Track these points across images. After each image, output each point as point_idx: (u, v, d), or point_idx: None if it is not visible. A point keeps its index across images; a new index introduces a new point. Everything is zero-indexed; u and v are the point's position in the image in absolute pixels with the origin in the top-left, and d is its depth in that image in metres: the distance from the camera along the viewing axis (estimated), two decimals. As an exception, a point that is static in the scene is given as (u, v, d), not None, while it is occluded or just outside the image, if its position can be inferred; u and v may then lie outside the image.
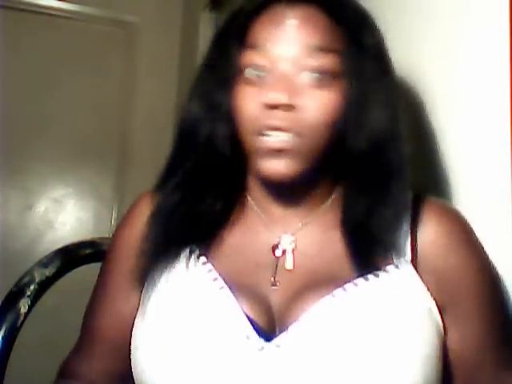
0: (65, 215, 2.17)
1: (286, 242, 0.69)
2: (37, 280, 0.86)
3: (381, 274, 0.64)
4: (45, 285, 0.87)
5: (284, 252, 0.69)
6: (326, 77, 0.64)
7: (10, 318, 0.82)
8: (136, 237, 0.72)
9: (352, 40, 0.67)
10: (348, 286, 0.62)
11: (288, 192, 0.70)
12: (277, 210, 0.71)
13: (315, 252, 0.68)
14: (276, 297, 0.65)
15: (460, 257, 0.67)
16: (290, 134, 0.64)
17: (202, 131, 0.70)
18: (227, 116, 0.68)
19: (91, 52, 2.24)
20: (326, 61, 0.64)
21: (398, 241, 0.65)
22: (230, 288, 0.64)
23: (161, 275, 0.68)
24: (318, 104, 0.64)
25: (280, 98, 0.63)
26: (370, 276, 0.63)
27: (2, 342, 0.81)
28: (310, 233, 0.70)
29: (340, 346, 0.59)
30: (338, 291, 0.62)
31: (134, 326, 0.69)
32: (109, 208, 2.21)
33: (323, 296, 0.62)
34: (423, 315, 0.63)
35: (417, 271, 0.65)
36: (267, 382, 0.59)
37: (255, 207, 0.73)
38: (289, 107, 0.63)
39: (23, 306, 0.83)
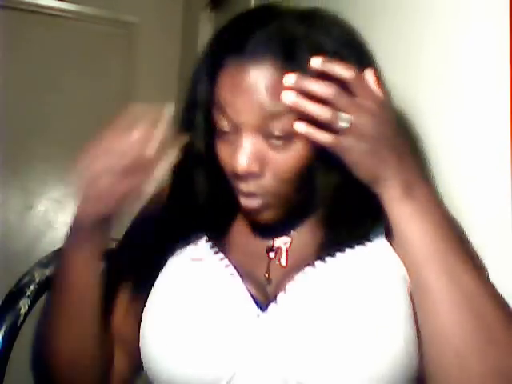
0: (65, 215, 2.17)
1: (281, 243, 0.75)
2: (37, 280, 0.86)
3: (356, 247, 0.70)
4: (45, 285, 0.87)
5: (277, 252, 0.75)
6: (287, 134, 0.65)
7: (9, 318, 0.82)
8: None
9: None
10: (326, 258, 0.69)
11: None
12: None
13: (307, 251, 0.72)
14: (270, 289, 0.71)
15: None
16: (257, 198, 0.68)
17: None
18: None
19: (91, 52, 2.24)
20: (286, 119, 0.64)
21: (372, 222, 0.71)
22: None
23: (175, 259, 0.74)
24: (281, 163, 0.67)
25: (238, 168, 0.66)
26: (346, 249, 0.69)
27: (2, 342, 0.81)
28: (303, 234, 0.75)
29: (324, 308, 0.65)
30: (318, 263, 0.68)
31: (145, 308, 0.72)
32: (109, 208, 2.21)
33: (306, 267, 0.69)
34: (399, 279, 0.67)
35: (392, 244, 0.70)
36: (262, 343, 0.65)
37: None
38: (250, 173, 0.66)
39: (23, 305, 0.83)
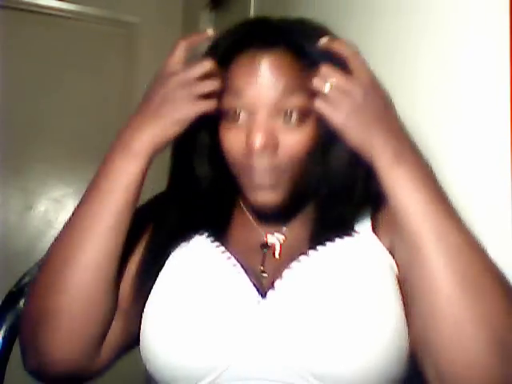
0: (65, 215, 2.14)
1: (274, 239, 0.79)
2: (37, 280, 0.86)
3: (346, 237, 0.74)
4: (45, 285, 0.87)
5: (271, 247, 0.78)
6: (298, 116, 0.72)
7: (9, 318, 0.82)
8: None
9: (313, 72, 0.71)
10: (318, 247, 0.72)
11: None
12: (265, 216, 0.80)
13: (299, 244, 0.75)
14: (266, 280, 0.74)
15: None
16: (269, 173, 0.72)
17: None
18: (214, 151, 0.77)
19: (91, 52, 2.24)
20: (297, 100, 0.71)
21: (360, 217, 0.76)
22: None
23: (177, 252, 0.77)
24: (293, 143, 0.72)
25: (255, 144, 0.70)
26: (336, 239, 0.73)
27: (2, 342, 0.81)
28: (295, 230, 0.79)
29: (320, 293, 0.68)
30: (311, 251, 0.72)
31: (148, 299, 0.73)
32: (109, 208, 2.21)
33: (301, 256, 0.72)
34: (386, 267, 0.72)
35: (378, 236, 0.75)
36: (263, 329, 0.67)
37: (246, 212, 0.82)
38: (266, 149, 0.70)
39: (23, 305, 0.83)
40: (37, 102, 2.15)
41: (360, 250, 0.73)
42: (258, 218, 0.81)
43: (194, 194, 0.79)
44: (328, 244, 0.73)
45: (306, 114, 0.71)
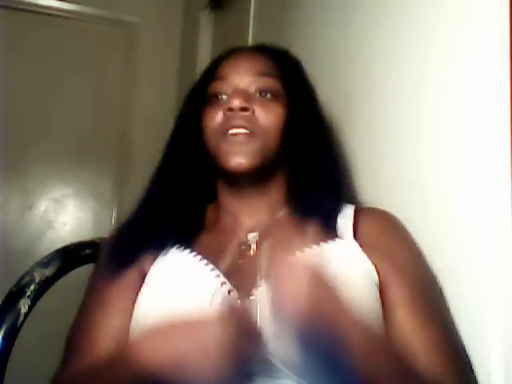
0: (65, 215, 2.17)
1: (251, 237, 0.82)
2: (37, 280, 0.86)
3: (329, 241, 0.77)
4: (45, 285, 0.87)
5: (250, 246, 0.81)
6: (270, 94, 0.85)
7: (9, 318, 0.82)
8: None
9: (286, 76, 0.89)
10: (305, 248, 0.75)
11: (249, 194, 0.87)
12: (242, 214, 0.87)
13: (277, 240, 0.78)
14: (246, 281, 0.75)
15: (393, 235, 0.81)
16: (247, 132, 0.82)
17: (182, 150, 0.89)
18: (199, 134, 0.87)
19: (91, 52, 2.24)
20: (270, 82, 0.86)
21: (341, 223, 0.81)
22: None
23: (155, 267, 0.79)
24: (267, 111, 0.84)
25: (237, 102, 0.82)
26: (321, 243, 0.76)
27: (2, 342, 0.81)
28: (271, 229, 0.83)
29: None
30: (297, 252, 0.74)
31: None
32: (109, 208, 2.21)
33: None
34: (365, 273, 0.75)
35: (359, 244, 0.78)
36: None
37: (224, 215, 0.88)
38: (245, 109, 0.82)
39: (23, 305, 0.83)
40: (37, 101, 2.15)
41: (345, 255, 0.76)
42: (235, 218, 0.85)
43: (166, 208, 0.84)
44: (314, 247, 0.75)
45: (276, 94, 0.85)
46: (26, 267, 0.89)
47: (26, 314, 0.84)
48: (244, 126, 0.82)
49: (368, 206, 0.92)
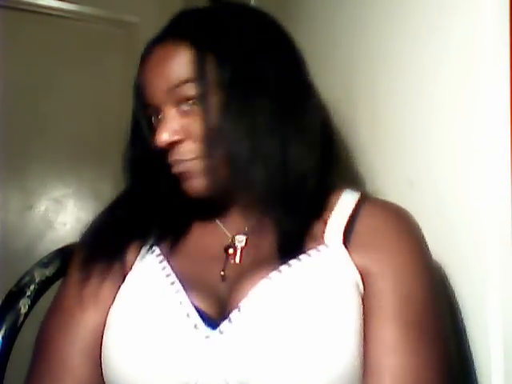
0: (65, 215, 2.17)
1: (238, 241, 0.78)
2: (37, 280, 0.86)
3: (312, 252, 0.70)
4: (45, 285, 0.87)
5: (235, 250, 0.77)
6: (194, 101, 0.73)
7: (9, 318, 0.82)
8: None
9: (221, 58, 0.73)
10: (282, 267, 0.68)
11: (221, 207, 0.81)
12: (228, 215, 0.81)
13: (263, 246, 0.74)
14: (225, 289, 0.71)
15: (389, 245, 0.71)
16: (185, 163, 0.74)
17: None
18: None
19: (91, 52, 2.24)
20: (187, 90, 0.73)
21: (328, 226, 0.73)
22: (184, 284, 0.71)
23: (130, 276, 0.76)
24: (194, 127, 0.74)
25: (158, 141, 0.74)
26: (301, 256, 0.69)
27: (2, 342, 0.81)
28: (258, 229, 0.77)
29: (279, 326, 0.64)
30: (274, 273, 0.68)
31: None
32: (109, 208, 2.20)
33: (261, 279, 0.68)
34: (352, 289, 0.68)
35: (348, 250, 0.71)
36: (213, 368, 0.63)
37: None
38: (172, 144, 0.74)
39: (23, 305, 0.83)
40: (36, 101, 2.14)
41: (325, 268, 0.69)
42: (222, 218, 0.80)
43: (148, 202, 0.80)
44: (293, 263, 0.69)
45: (199, 97, 0.73)
46: (26, 267, 0.89)
47: (26, 314, 0.83)
48: (180, 159, 0.75)
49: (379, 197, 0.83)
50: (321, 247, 0.71)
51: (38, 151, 2.14)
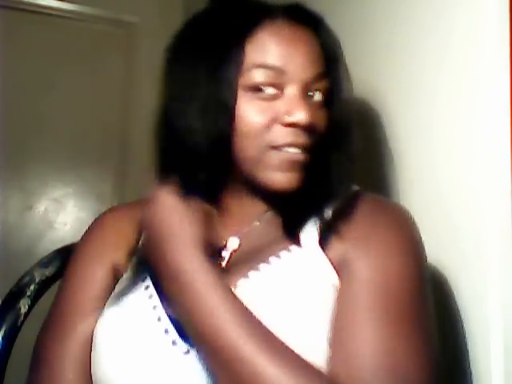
0: (65, 215, 2.17)
1: (232, 244, 0.75)
2: (37, 280, 0.86)
3: (288, 254, 0.68)
4: (45, 285, 0.87)
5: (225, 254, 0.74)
6: (322, 97, 0.71)
7: (9, 318, 0.82)
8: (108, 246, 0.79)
9: (333, 64, 0.73)
10: (262, 265, 0.67)
11: (267, 200, 0.75)
12: (237, 213, 0.76)
13: (255, 250, 0.72)
14: None
15: (370, 245, 0.67)
16: (303, 150, 0.69)
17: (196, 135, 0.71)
18: (224, 120, 0.69)
19: (91, 52, 2.24)
20: (325, 84, 0.71)
21: (311, 223, 0.70)
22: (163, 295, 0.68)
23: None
24: (319, 121, 0.70)
25: (304, 118, 0.67)
26: (281, 253, 0.68)
27: (2, 342, 0.81)
28: (258, 230, 0.74)
29: None
30: (252, 272, 0.67)
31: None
32: (109, 208, 2.20)
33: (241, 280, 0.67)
34: (327, 288, 0.65)
35: (323, 247, 0.68)
36: (195, 382, 0.62)
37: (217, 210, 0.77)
38: (309, 126, 0.68)
39: (23, 305, 0.83)
40: (36, 101, 2.14)
41: (302, 269, 0.67)
42: (225, 218, 0.76)
43: None
44: (272, 261, 0.67)
45: (325, 97, 0.71)
46: (26, 267, 0.89)
47: (26, 314, 0.84)
48: (303, 144, 0.69)
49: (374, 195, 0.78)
50: (292, 247, 0.69)
51: (38, 151, 2.14)
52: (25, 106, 2.12)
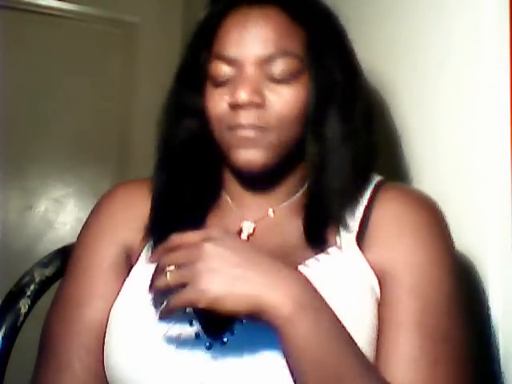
0: (65, 215, 2.17)
1: (246, 228, 0.74)
2: (37, 280, 0.86)
3: (327, 256, 0.67)
4: (45, 285, 0.87)
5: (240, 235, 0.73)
6: (289, 77, 0.70)
7: (9, 318, 0.82)
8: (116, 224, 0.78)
9: (313, 41, 0.72)
10: (310, 261, 0.66)
11: (261, 182, 0.75)
12: (250, 202, 0.76)
13: (275, 239, 0.71)
14: None
15: (406, 241, 0.67)
16: (255, 130, 0.69)
17: (180, 133, 0.77)
18: (200, 117, 0.74)
19: (91, 52, 2.24)
20: (287, 64, 0.70)
21: (345, 218, 0.70)
22: None
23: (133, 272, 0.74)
24: (282, 100, 0.69)
25: (241, 97, 0.68)
26: (320, 256, 0.67)
27: (2, 342, 0.81)
28: (274, 220, 0.74)
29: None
30: (301, 267, 0.66)
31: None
32: (109, 208, 2.20)
33: None
34: (366, 293, 0.65)
35: (361, 248, 0.68)
36: (216, 378, 0.62)
37: (230, 202, 0.77)
38: (250, 105, 0.68)
39: (23, 305, 0.83)
40: (37, 101, 2.14)
41: (341, 271, 0.66)
42: (241, 206, 0.75)
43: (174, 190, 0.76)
44: (310, 263, 0.66)
45: (294, 75, 0.70)
46: (26, 267, 0.89)
47: (26, 314, 0.83)
48: (253, 124, 0.69)
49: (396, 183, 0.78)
50: (331, 249, 0.68)
51: (38, 151, 2.14)
52: (25, 106, 2.12)
